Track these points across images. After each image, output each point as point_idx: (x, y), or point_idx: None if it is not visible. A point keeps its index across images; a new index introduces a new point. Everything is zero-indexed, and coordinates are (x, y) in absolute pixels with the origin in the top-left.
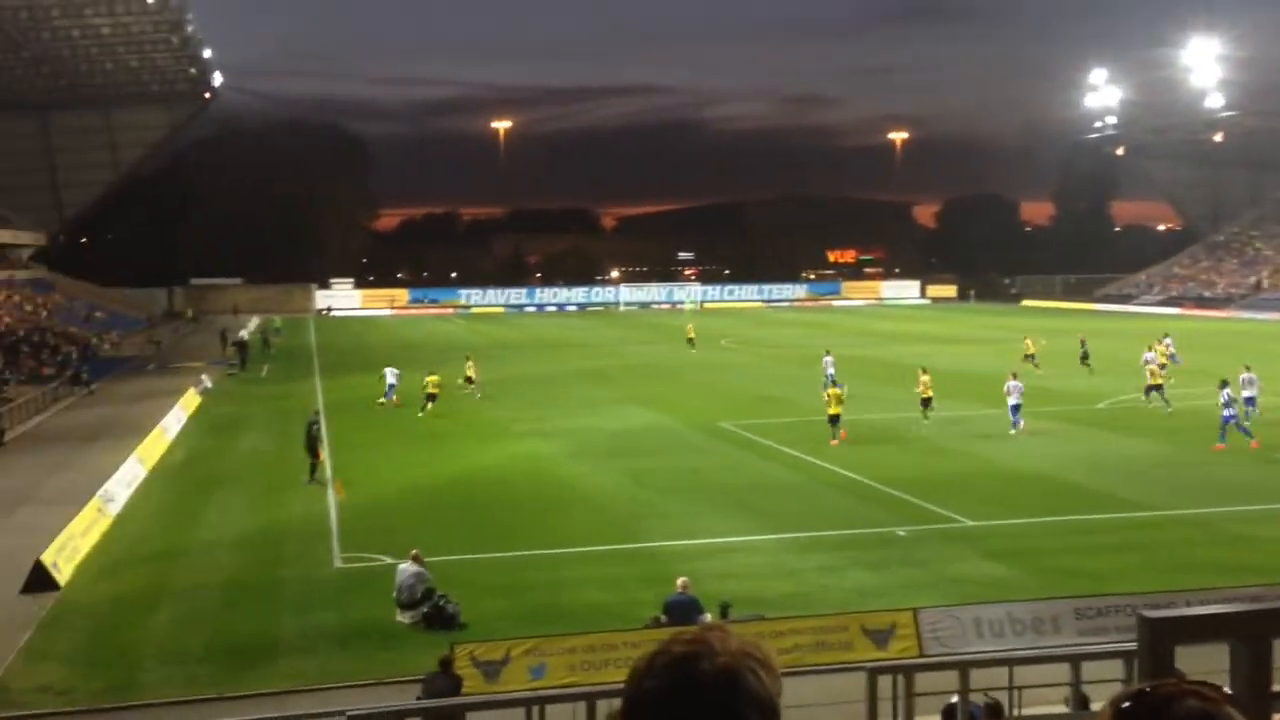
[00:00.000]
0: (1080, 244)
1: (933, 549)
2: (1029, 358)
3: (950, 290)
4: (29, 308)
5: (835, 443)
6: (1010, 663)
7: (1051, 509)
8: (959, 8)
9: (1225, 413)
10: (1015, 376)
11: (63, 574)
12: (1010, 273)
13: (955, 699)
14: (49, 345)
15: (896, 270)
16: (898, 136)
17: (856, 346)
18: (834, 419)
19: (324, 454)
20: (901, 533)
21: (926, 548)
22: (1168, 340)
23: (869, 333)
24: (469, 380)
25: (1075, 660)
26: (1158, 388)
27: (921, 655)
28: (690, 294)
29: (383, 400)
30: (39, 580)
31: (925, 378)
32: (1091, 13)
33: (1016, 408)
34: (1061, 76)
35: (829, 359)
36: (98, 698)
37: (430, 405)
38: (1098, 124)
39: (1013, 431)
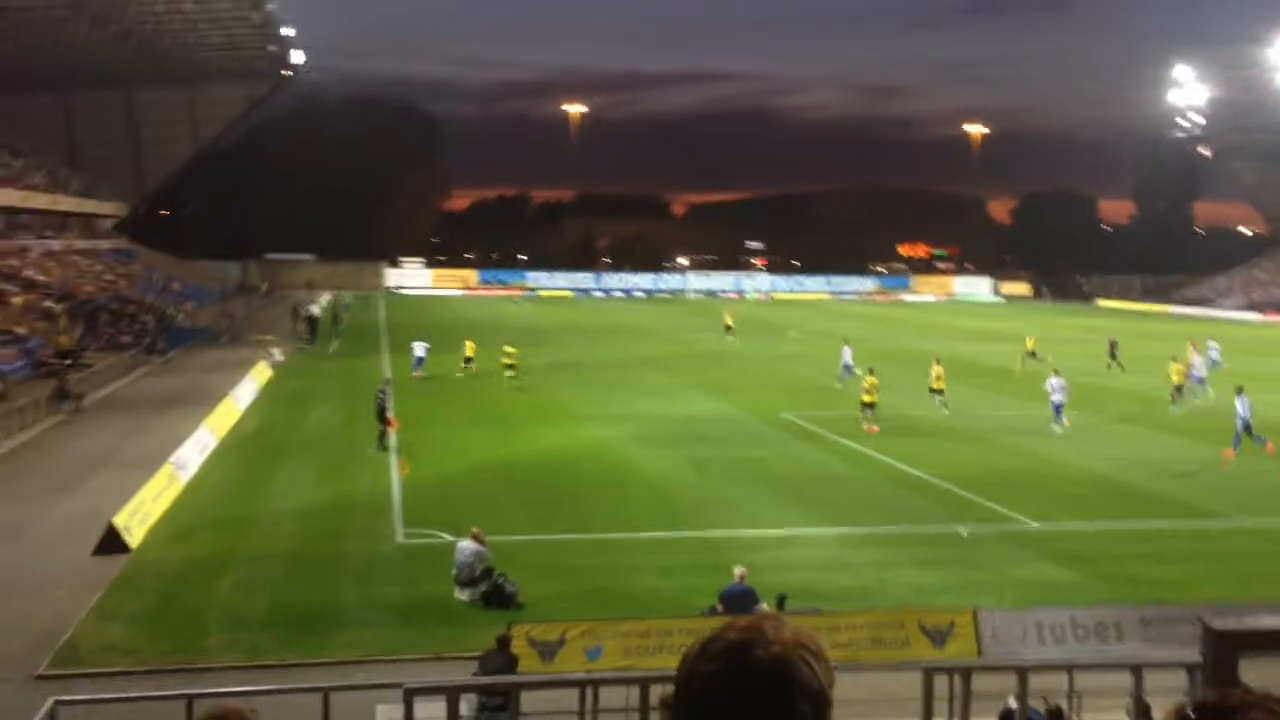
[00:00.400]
0: (1160, 245)
1: (995, 549)
2: (1031, 354)
3: (1023, 288)
4: (110, 277)
5: (869, 429)
6: (1071, 668)
7: (1120, 513)
8: (1043, 0)
9: (1241, 420)
10: (1057, 373)
11: (134, 537)
12: (1086, 272)
13: (1013, 702)
14: (128, 314)
15: (969, 266)
16: (975, 130)
17: (924, 341)
18: (869, 406)
19: (393, 420)
20: (964, 531)
21: (989, 548)
22: (1211, 344)
23: (938, 328)
24: (468, 361)
25: (1138, 669)
26: (1179, 388)
27: (980, 657)
28: (756, 285)
29: (415, 374)
30: (111, 542)
31: (938, 369)
32: (1179, 8)
33: (1059, 406)
34: (1146, 72)
35: (847, 349)
36: (163, 659)
37: (511, 375)
38: (1182, 122)
39: (1058, 430)
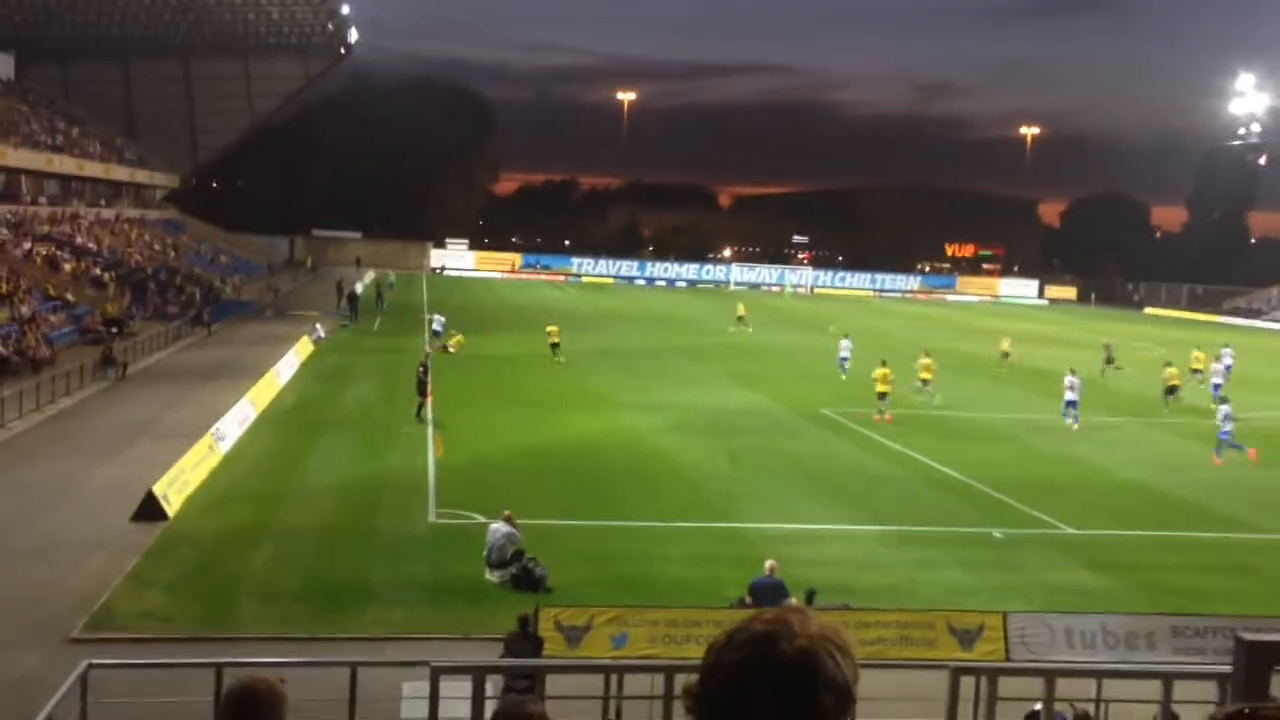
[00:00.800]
0: (1212, 254)
1: (1030, 553)
2: (1005, 355)
3: (1070, 292)
4: (159, 247)
5: (878, 418)
6: (1099, 675)
7: (1158, 523)
8: (1102, 2)
9: (1223, 429)
10: (1073, 372)
11: (172, 505)
12: (1135, 278)
13: (1039, 706)
14: (175, 284)
15: (1015, 268)
16: (1028, 131)
17: (966, 341)
18: (882, 396)
19: (431, 395)
20: (998, 534)
21: (1023, 552)
22: (1225, 350)
23: (981, 330)
24: (445, 350)
25: (1167, 678)
26: (1172, 389)
27: (1008, 660)
28: (799, 277)
29: (440, 346)
30: (149, 510)
31: (926, 360)
32: (1243, 16)
33: (1072, 403)
34: (1206, 79)
35: (845, 342)
36: (196, 627)
37: (559, 354)
38: (1241, 130)
39: (1074, 426)
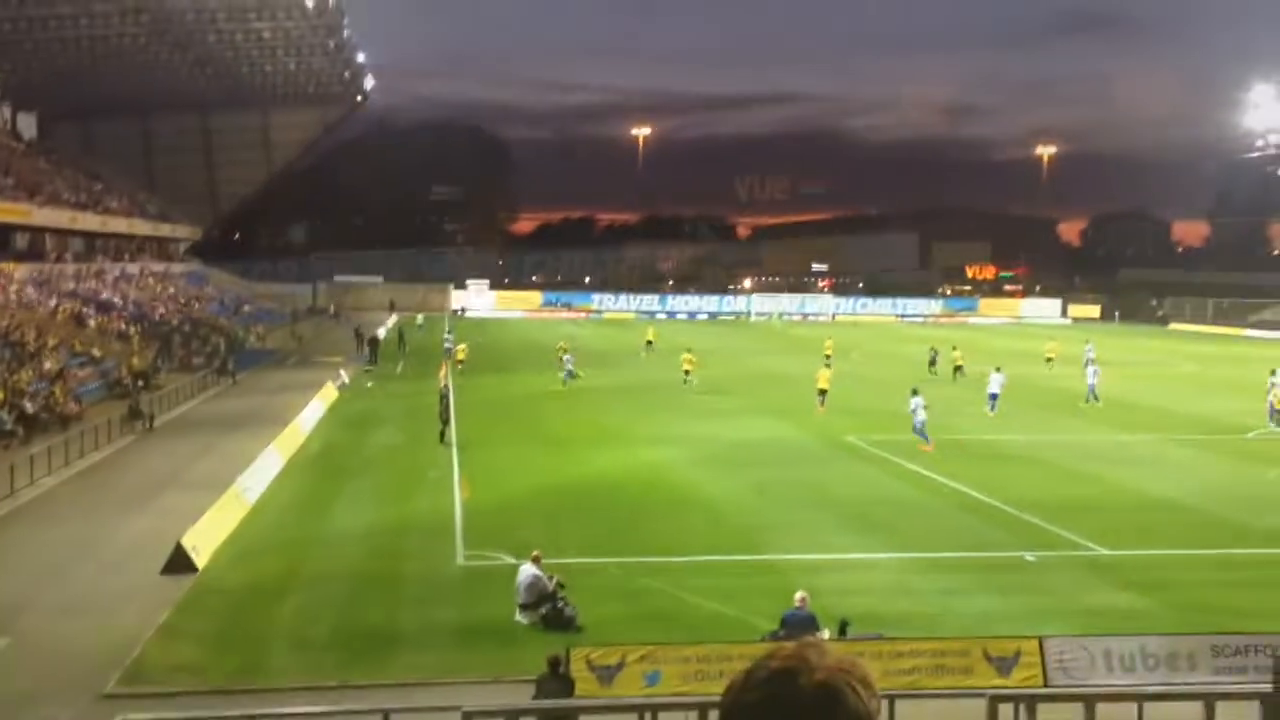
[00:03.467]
0: (1235, 267)
1: (1062, 576)
2: (826, 359)
3: (1093, 310)
4: (182, 299)
5: (819, 412)
6: (1140, 698)
7: (1193, 541)
8: (1120, 19)
9: (917, 418)
10: (999, 370)
11: (201, 557)
12: (1159, 294)
13: None
14: (199, 335)
15: (1037, 288)
16: (1046, 150)
17: (987, 364)
18: (823, 393)
19: (453, 421)
20: (1030, 558)
21: (1056, 575)
22: (1088, 347)
23: (1004, 352)
24: (459, 363)
25: (1209, 699)
26: (959, 368)
27: (1046, 685)
28: (819, 305)
29: (455, 360)
30: (179, 562)
31: (688, 355)
32: (1258, 27)
33: (994, 396)
34: (1222, 93)
35: (568, 356)
36: (228, 679)
37: (562, 369)
38: (1259, 142)
39: (990, 414)
